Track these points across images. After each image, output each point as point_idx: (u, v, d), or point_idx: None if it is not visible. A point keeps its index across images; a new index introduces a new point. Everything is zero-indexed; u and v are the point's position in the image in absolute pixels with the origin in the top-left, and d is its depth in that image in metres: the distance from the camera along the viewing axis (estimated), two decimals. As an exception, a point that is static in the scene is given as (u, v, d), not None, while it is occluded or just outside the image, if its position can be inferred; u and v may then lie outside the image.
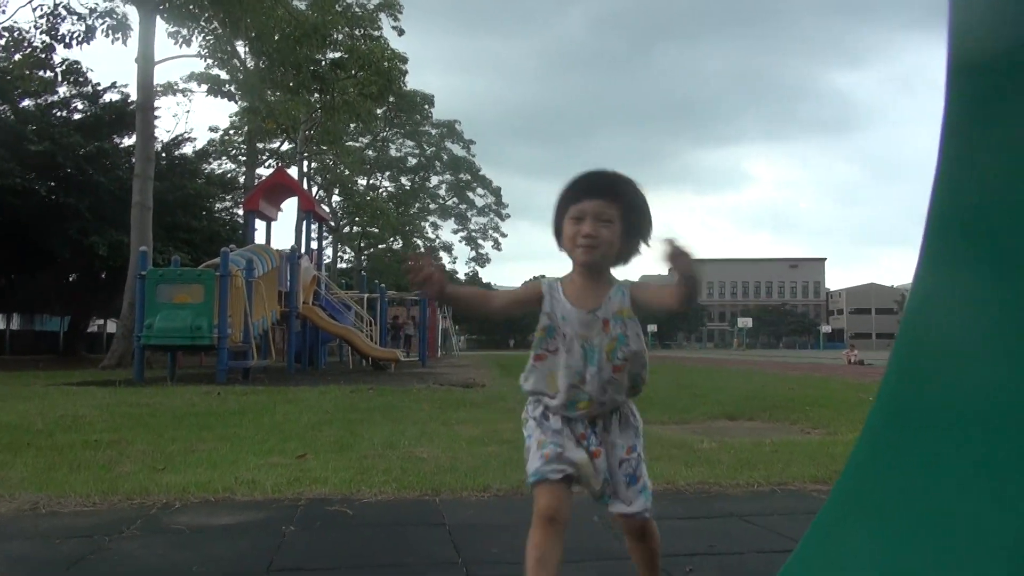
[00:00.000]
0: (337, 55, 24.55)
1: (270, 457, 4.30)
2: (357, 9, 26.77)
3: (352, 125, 30.01)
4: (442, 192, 51.52)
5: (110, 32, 16.85)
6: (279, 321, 15.60)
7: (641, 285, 1.76)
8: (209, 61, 24.84)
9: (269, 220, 18.56)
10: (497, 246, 53.21)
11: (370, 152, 44.66)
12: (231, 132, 36.29)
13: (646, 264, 1.85)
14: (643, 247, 1.77)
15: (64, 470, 3.83)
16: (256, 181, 25.54)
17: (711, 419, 6.59)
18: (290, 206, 21.03)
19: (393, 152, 47.71)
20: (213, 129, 37.28)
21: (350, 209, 44.03)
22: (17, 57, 20.13)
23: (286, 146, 34.36)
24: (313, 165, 37.33)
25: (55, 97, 23.25)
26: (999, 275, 1.17)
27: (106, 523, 2.87)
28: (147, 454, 4.37)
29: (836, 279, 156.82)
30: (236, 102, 23.60)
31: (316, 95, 25.03)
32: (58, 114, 23.23)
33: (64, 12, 17.07)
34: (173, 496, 3.27)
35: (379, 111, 34.14)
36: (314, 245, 19.52)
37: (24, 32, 18.41)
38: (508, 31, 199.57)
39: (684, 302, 1.66)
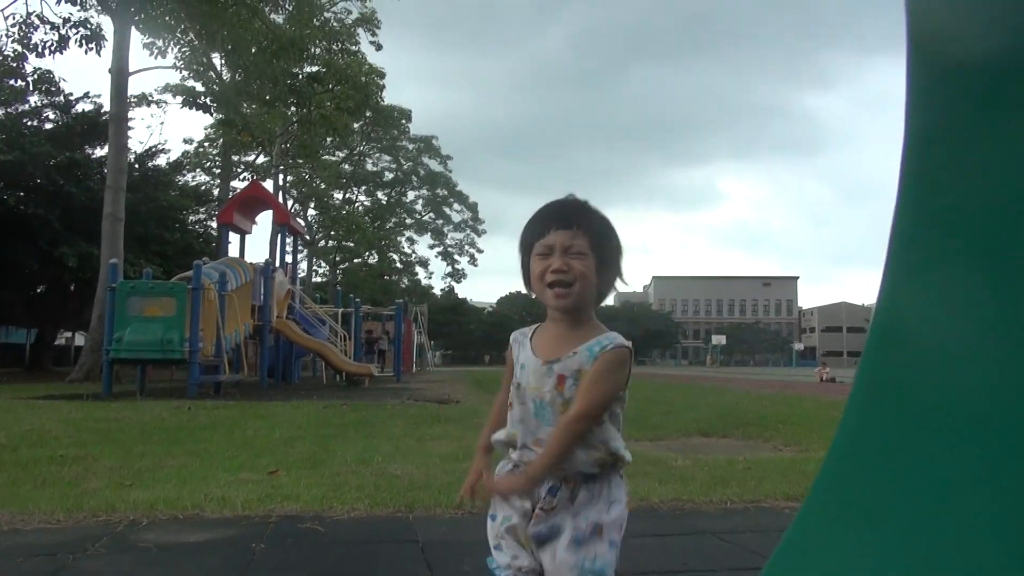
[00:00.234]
0: (314, 69, 24.51)
1: (241, 473, 4.24)
2: (335, 24, 26.80)
3: (329, 139, 29.94)
4: (418, 207, 51.49)
5: (84, 42, 16.67)
6: (252, 335, 15.45)
7: (603, 362, 1.44)
8: (185, 73, 24.70)
9: (243, 233, 18.41)
10: (473, 261, 53.21)
11: (346, 166, 44.56)
12: (206, 144, 36.06)
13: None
14: (618, 282, 1.56)
15: (28, 486, 3.75)
16: (231, 194, 25.38)
17: (685, 436, 6.62)
18: (265, 219, 20.89)
19: (370, 166, 47.68)
20: (188, 141, 37.06)
21: (326, 223, 43.81)
22: (-12, 66, 19.84)
23: (262, 159, 34.20)
24: (289, 178, 37.14)
25: (26, 106, 22.96)
26: (962, 286, 1.20)
27: (71, 541, 2.81)
28: (114, 470, 4.30)
29: (808, 297, 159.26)
30: (211, 114, 23.39)
31: (293, 108, 24.97)
32: (29, 124, 22.95)
33: (37, 21, 16.88)
34: (141, 513, 3.21)
35: (356, 125, 34.17)
36: (289, 259, 19.40)
37: (-5, 40, 18.15)
38: (486, 48, 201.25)
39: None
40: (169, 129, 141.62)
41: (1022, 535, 1.02)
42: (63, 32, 16.69)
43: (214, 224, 24.60)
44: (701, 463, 4.78)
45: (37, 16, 16.93)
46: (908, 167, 1.32)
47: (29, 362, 27.40)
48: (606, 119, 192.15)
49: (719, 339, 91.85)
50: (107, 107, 19.55)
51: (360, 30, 28.21)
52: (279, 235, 19.99)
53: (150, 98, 27.75)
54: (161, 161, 26.08)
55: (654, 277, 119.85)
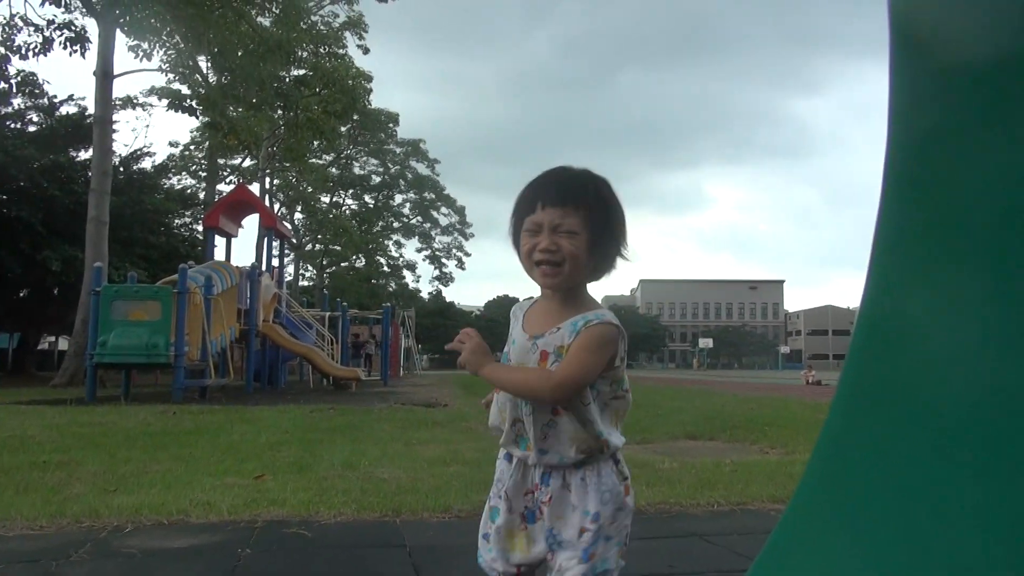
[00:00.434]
0: (301, 72, 24.45)
1: (226, 478, 4.21)
2: (322, 27, 26.72)
3: (316, 143, 29.84)
4: (406, 211, 51.41)
5: (68, 44, 16.55)
6: (238, 339, 15.37)
7: (584, 336, 1.40)
8: (170, 75, 24.58)
9: (229, 237, 18.31)
10: (461, 265, 53.18)
11: (333, 170, 44.44)
12: (192, 147, 35.88)
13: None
14: (619, 260, 1.49)
15: (10, 492, 3.71)
16: (217, 197, 25.23)
17: (673, 439, 6.63)
18: (251, 223, 20.80)
19: (357, 170, 47.57)
20: (173, 144, 36.93)
21: (312, 227, 43.69)
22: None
23: (248, 162, 34.03)
24: (275, 182, 37.01)
25: (9, 109, 22.75)
26: (945, 289, 1.21)
27: (54, 547, 2.78)
28: (98, 475, 4.26)
29: (795, 300, 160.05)
30: (197, 117, 23.27)
31: (279, 112, 24.88)
32: (12, 126, 22.74)
33: (21, 23, 16.75)
34: (125, 519, 3.18)
35: (343, 129, 34.06)
36: (275, 262, 19.32)
37: (-23, 42, 17.99)
38: (474, 52, 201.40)
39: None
40: (154, 132, 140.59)
41: (1007, 537, 1.03)
42: (47, 34, 16.60)
43: (200, 228, 24.43)
44: (688, 466, 4.80)
45: (21, 18, 16.83)
46: (891, 171, 1.33)
47: (11, 367, 27.14)
48: (595, 123, 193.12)
49: (706, 342, 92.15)
50: (92, 110, 19.43)
51: (347, 33, 28.18)
52: (265, 239, 19.91)
53: (135, 101, 27.64)
54: (146, 164, 25.92)
55: (641, 280, 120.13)
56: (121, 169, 23.07)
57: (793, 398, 13.92)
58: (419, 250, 52.26)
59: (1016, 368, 1.05)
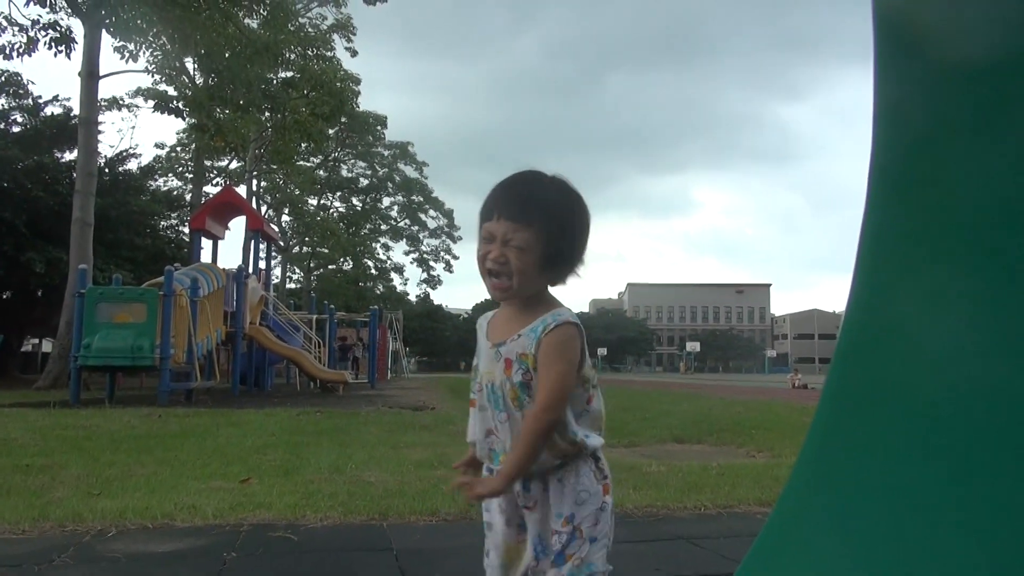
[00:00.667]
0: (289, 74, 24.37)
1: (212, 481, 4.18)
2: (310, 29, 26.66)
3: (303, 145, 29.74)
4: (394, 213, 51.33)
5: (53, 45, 16.41)
6: (225, 342, 15.28)
7: (547, 346, 1.38)
8: (156, 77, 24.41)
9: (216, 239, 18.23)
10: (449, 268, 53.16)
11: (321, 172, 44.32)
12: (178, 149, 35.67)
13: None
14: (577, 269, 1.46)
15: (-8, 496, 3.67)
16: (203, 199, 25.08)
17: (660, 442, 6.65)
18: (238, 225, 20.71)
19: (345, 172, 47.48)
20: (159, 145, 36.66)
21: (300, 229, 43.51)
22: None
23: (235, 164, 33.88)
24: (263, 184, 36.84)
25: (-7, 109, 22.56)
26: (929, 293, 1.22)
27: (36, 551, 2.75)
28: (82, 479, 4.22)
29: (781, 305, 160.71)
30: (184, 119, 23.14)
31: (267, 114, 24.77)
32: (-4, 127, 22.54)
33: (5, 23, 16.60)
34: (109, 522, 3.16)
35: (331, 131, 33.95)
36: (262, 265, 19.24)
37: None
38: (462, 55, 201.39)
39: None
40: (140, 133, 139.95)
41: (991, 538, 1.03)
42: (32, 34, 16.44)
43: (186, 230, 24.31)
44: (675, 469, 4.81)
45: (5, 18, 16.66)
46: (877, 174, 1.34)
47: (-6, 369, 26.85)
48: (582, 127, 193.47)
49: (693, 346, 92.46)
50: (77, 110, 19.25)
51: (335, 36, 28.14)
52: (252, 241, 19.82)
53: (121, 102, 27.46)
54: (132, 166, 25.70)
55: (628, 284, 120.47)
56: (106, 170, 22.88)
57: (779, 402, 13.98)
58: (407, 253, 52.26)
59: (1001, 369, 1.06)
